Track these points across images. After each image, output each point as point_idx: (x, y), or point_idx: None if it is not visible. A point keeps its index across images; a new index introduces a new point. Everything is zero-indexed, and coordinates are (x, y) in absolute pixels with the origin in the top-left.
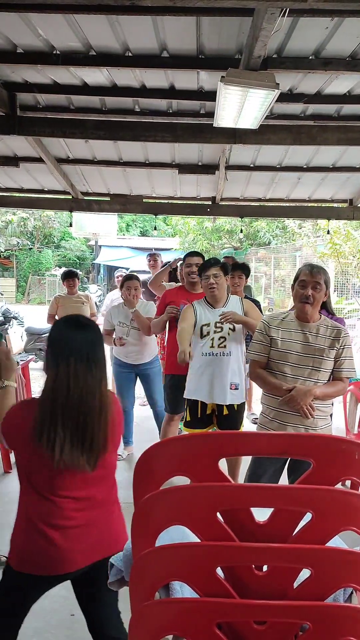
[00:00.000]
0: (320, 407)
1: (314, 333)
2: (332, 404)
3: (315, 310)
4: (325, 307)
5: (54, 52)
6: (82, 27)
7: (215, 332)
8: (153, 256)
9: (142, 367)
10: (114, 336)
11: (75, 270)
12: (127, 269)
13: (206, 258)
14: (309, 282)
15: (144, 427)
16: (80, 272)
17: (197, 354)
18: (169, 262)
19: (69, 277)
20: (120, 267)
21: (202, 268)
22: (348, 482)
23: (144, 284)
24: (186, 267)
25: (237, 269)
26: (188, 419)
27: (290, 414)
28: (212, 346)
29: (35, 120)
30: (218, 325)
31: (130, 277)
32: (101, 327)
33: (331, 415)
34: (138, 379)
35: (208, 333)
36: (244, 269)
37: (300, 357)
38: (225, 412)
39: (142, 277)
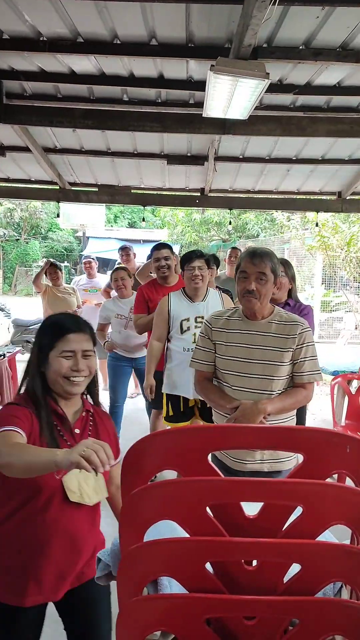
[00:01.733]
0: (279, 423)
1: (263, 333)
2: (294, 416)
3: (264, 305)
4: (290, 295)
5: (41, 39)
6: (69, 13)
7: (196, 327)
8: (125, 250)
9: (139, 361)
10: (108, 331)
11: (55, 262)
12: (115, 260)
13: (194, 250)
14: (252, 273)
15: (133, 419)
16: (68, 264)
17: (178, 349)
18: None
19: (49, 268)
20: (87, 255)
21: (186, 259)
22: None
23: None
24: (155, 262)
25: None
26: (171, 413)
27: None
28: (194, 342)
29: (21, 108)
30: (199, 320)
31: (116, 269)
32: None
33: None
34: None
35: (189, 328)
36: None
37: (248, 365)
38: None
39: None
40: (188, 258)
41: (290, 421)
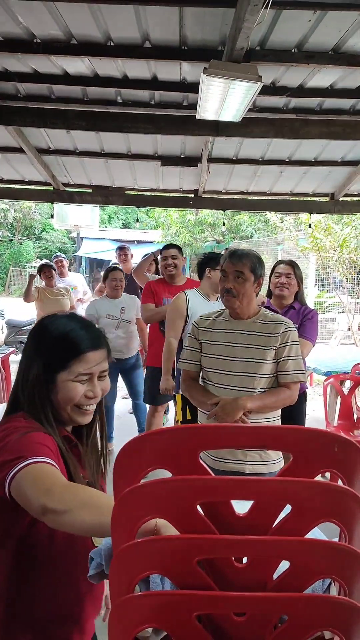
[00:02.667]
0: (261, 424)
1: (246, 331)
2: (279, 417)
3: (245, 304)
4: (296, 298)
5: (35, 40)
6: (63, 15)
7: None
8: (123, 250)
9: (127, 362)
10: None
11: (49, 262)
12: (109, 261)
13: (188, 251)
14: (230, 272)
15: (125, 420)
16: None
17: None
18: (152, 252)
19: (44, 268)
20: (57, 254)
21: (219, 259)
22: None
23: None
24: (162, 260)
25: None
26: (189, 417)
27: None
28: None
29: (15, 109)
30: None
31: (114, 269)
32: None
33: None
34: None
35: None
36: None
37: (230, 362)
38: None
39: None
40: (218, 259)
41: (275, 422)
